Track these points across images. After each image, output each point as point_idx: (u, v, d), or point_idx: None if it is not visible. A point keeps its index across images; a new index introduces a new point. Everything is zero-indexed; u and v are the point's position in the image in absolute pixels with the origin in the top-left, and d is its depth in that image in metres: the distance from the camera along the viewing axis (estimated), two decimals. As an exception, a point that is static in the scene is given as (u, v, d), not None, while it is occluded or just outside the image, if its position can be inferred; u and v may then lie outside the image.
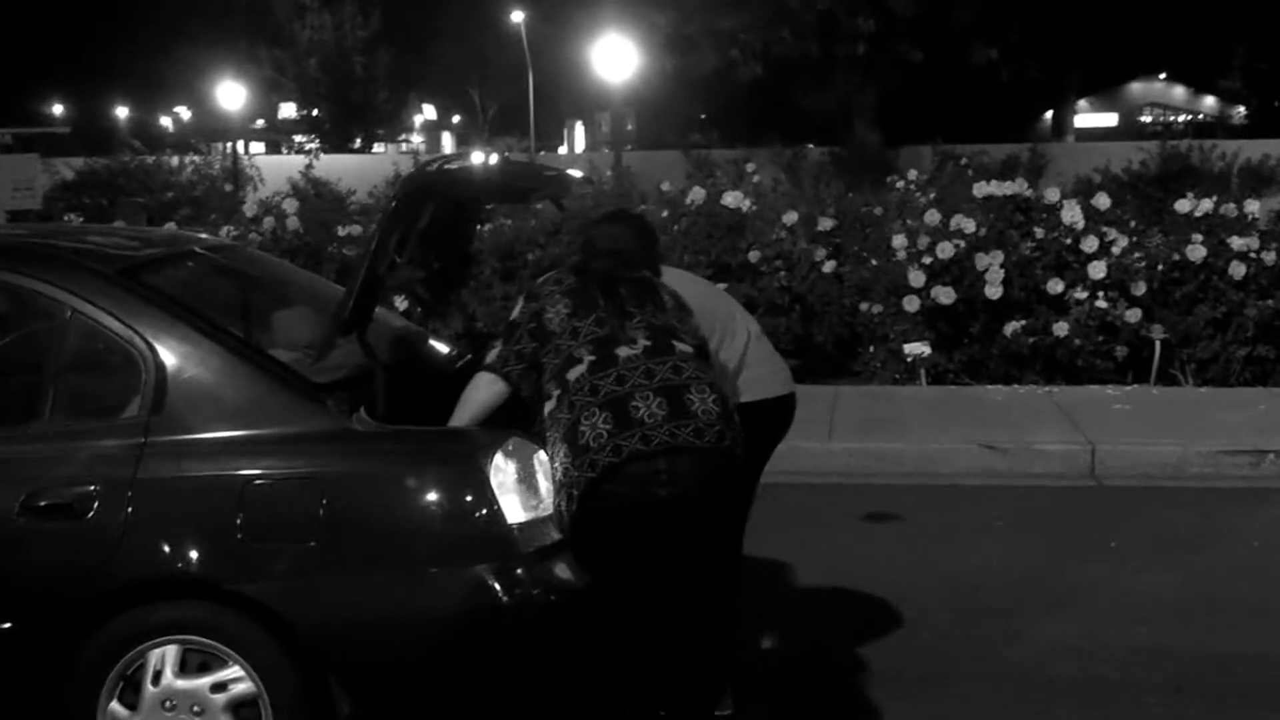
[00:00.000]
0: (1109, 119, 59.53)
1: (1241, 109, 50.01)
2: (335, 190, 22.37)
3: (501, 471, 3.89)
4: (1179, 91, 61.05)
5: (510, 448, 3.96)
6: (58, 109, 61.00)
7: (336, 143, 40.05)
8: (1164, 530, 7.09)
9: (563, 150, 51.83)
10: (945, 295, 10.31)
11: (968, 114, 31.86)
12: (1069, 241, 10.40)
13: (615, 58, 25.22)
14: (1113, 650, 5.36)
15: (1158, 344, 10.31)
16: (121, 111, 61.76)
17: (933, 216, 10.82)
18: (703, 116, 31.61)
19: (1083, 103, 51.96)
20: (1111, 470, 8.24)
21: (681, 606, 3.87)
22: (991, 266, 10.24)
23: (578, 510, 3.76)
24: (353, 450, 4.03)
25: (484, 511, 3.85)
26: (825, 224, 11.45)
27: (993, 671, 5.17)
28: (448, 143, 59.46)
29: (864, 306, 10.92)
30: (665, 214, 11.11)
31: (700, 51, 25.16)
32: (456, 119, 62.82)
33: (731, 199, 11.18)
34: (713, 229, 11.03)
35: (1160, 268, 10.44)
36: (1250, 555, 6.68)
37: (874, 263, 10.90)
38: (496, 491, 3.85)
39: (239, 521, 3.90)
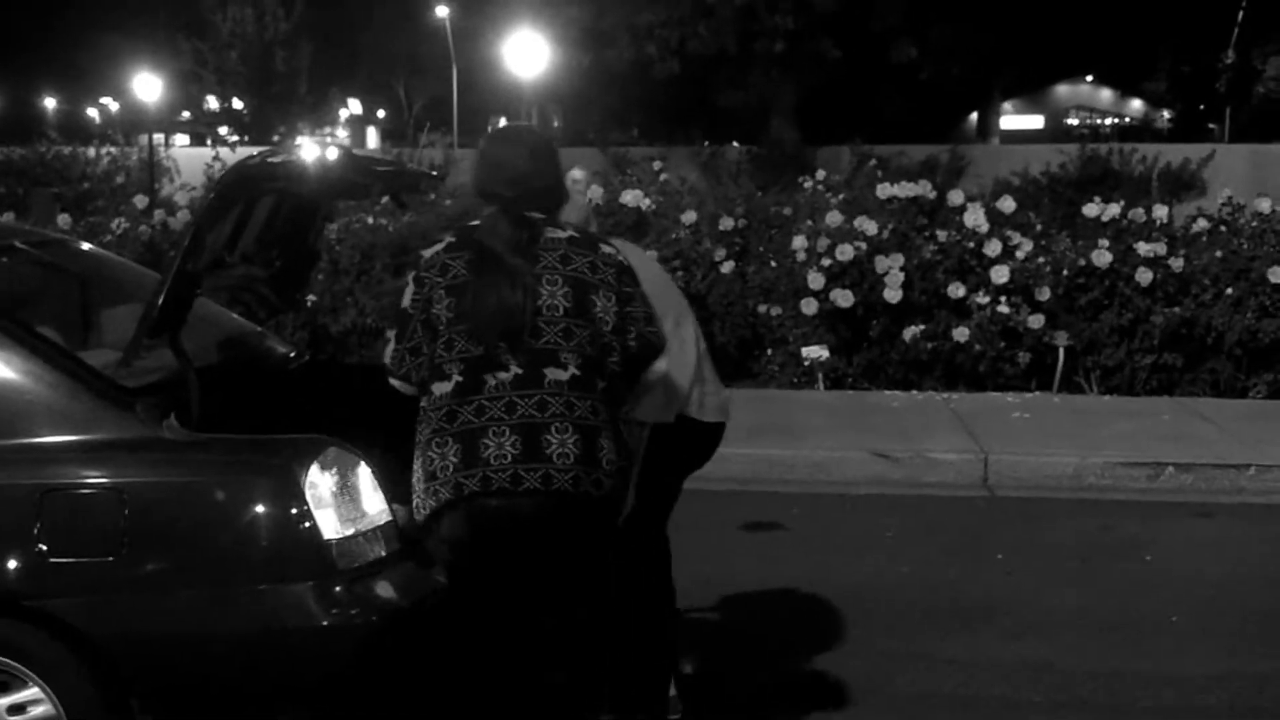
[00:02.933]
0: (1035, 121, 60.18)
1: (1167, 113, 50.66)
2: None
3: (318, 484, 3.75)
4: (1106, 94, 61.80)
5: (328, 458, 3.81)
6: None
7: (258, 136, 39.52)
8: (1056, 543, 7.03)
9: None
10: (844, 298, 10.23)
11: (892, 114, 31.89)
12: (972, 245, 10.35)
13: (528, 53, 25.03)
14: (998, 666, 5.27)
15: (1061, 351, 10.30)
16: (50, 102, 60.94)
17: (835, 218, 10.74)
18: (625, 114, 31.42)
19: (1009, 105, 52.43)
20: (1006, 480, 8.18)
21: (536, 635, 3.71)
22: (891, 270, 10.18)
23: (423, 526, 3.64)
24: (160, 459, 3.88)
25: (298, 526, 3.71)
26: (726, 223, 11.32)
27: (870, 687, 5.04)
28: (373, 138, 58.96)
29: (763, 309, 10.81)
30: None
31: (616, 47, 24.98)
32: (382, 114, 62.34)
33: (631, 197, 11.03)
34: (613, 228, 10.86)
35: (1066, 273, 10.41)
36: (1143, 570, 6.63)
37: (774, 264, 10.78)
38: (312, 505, 3.71)
39: (37, 533, 3.73)
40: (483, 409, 3.52)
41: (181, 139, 39.66)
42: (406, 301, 3.62)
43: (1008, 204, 10.73)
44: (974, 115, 44.59)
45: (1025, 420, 9.27)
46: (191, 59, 42.53)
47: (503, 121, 54.94)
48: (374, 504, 3.85)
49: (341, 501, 3.77)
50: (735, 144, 27.75)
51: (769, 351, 10.91)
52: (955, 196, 10.72)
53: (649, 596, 4.40)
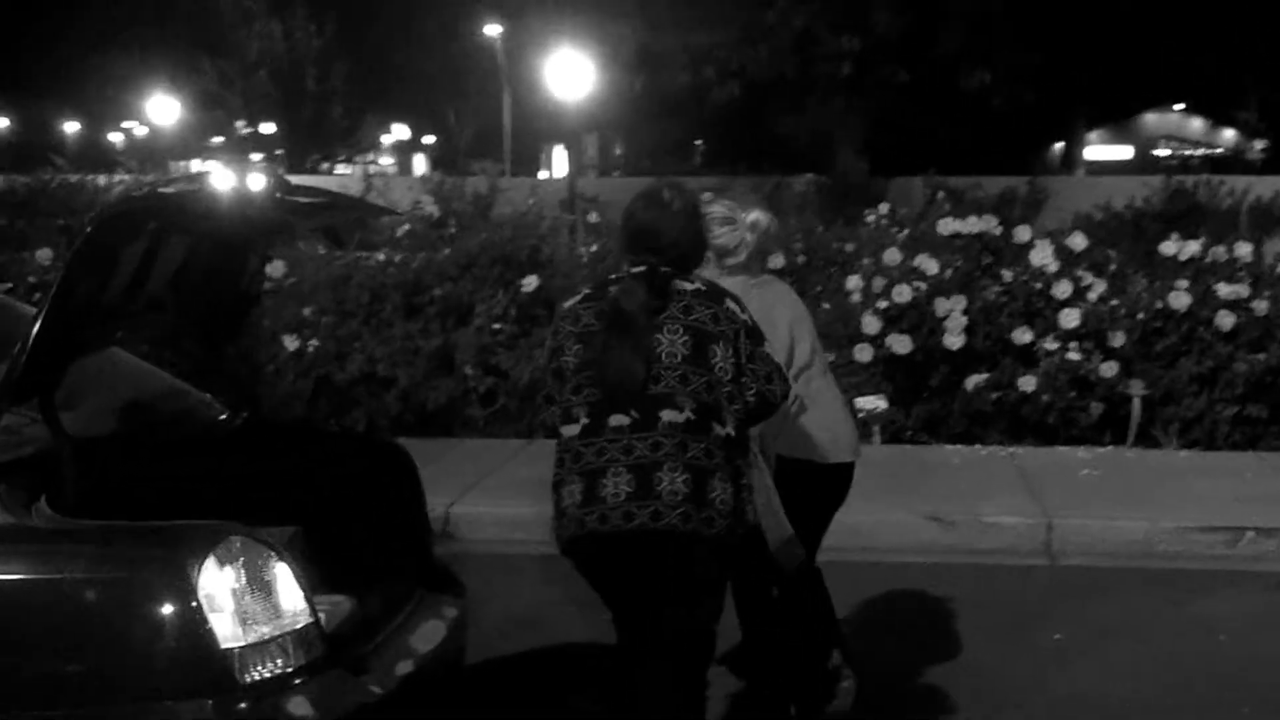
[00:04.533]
0: (1124, 152, 59.35)
1: (1259, 144, 49.79)
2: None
3: (215, 581, 3.37)
4: (1197, 124, 60.95)
5: (230, 549, 3.43)
6: (1, 122, 60.59)
7: (292, 162, 39.50)
8: (1119, 619, 6.67)
9: (543, 175, 51.45)
10: (901, 344, 9.89)
11: (966, 144, 31.46)
12: (1040, 286, 9.96)
13: (571, 75, 24.84)
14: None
15: (1136, 401, 9.87)
16: (71, 126, 61.28)
17: (893, 255, 10.40)
18: (697, 142, 31.14)
19: (1094, 135, 51.78)
20: (1070, 547, 7.82)
21: (648, 644, 4.17)
22: (952, 313, 9.83)
23: (564, 549, 4.15)
24: (22, 552, 3.48)
25: (190, 632, 3.33)
26: (775, 261, 10.97)
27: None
28: (420, 164, 59.05)
29: (813, 354, 10.44)
30: (580, 248, 10.68)
31: (671, 69, 24.78)
32: (430, 139, 62.50)
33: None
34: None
35: (1141, 316, 9.99)
36: (1216, 651, 6.25)
37: (826, 306, 10.43)
38: (206, 606, 3.34)
39: None
40: (603, 450, 4.01)
41: (211, 165, 39.70)
42: (546, 355, 4.25)
43: (1078, 241, 10.34)
44: (1058, 145, 44.09)
45: (1095, 478, 8.89)
46: (215, 80, 42.29)
47: (559, 150, 55.09)
48: (291, 603, 3.48)
49: (246, 602, 3.40)
50: (809, 175, 27.45)
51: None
52: (1022, 233, 10.34)
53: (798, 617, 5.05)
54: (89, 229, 3.69)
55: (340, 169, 47.82)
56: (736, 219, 4.96)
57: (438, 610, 4.29)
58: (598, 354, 4.03)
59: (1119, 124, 57.89)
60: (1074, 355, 9.83)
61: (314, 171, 41.33)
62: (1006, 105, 27.57)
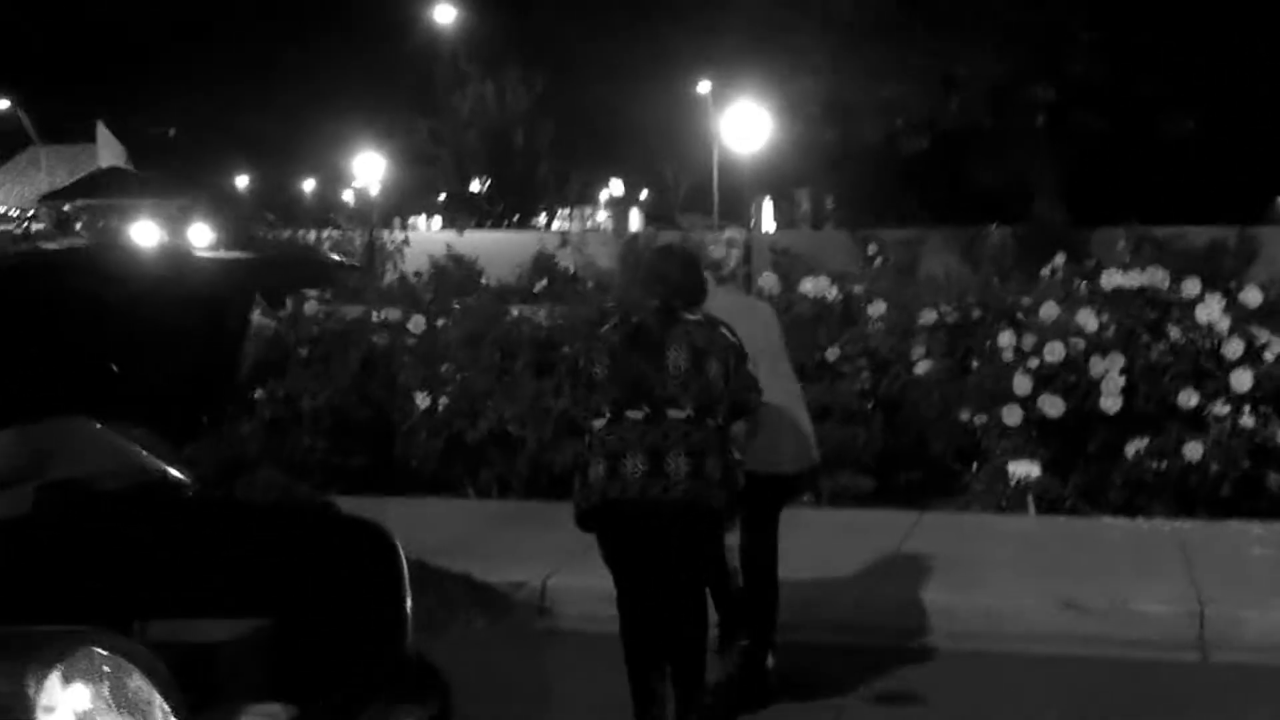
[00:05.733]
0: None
1: None
2: (471, 267, 21.87)
3: (57, 701, 2.78)
4: None
5: (81, 663, 2.83)
6: (242, 180, 62.67)
7: (498, 217, 39.86)
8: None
9: (751, 226, 50.87)
10: (1053, 406, 8.95)
11: (1175, 192, 29.71)
12: (1209, 345, 8.90)
13: (746, 126, 24.18)
14: None
15: (1321, 472, 8.71)
16: (309, 184, 63.17)
17: (1050, 310, 9.47)
18: (874, 194, 30.15)
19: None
20: (1226, 640, 6.79)
21: (660, 595, 5.30)
22: (1109, 373, 8.85)
23: (582, 519, 5.33)
24: None
25: None
26: (928, 317, 10.11)
27: None
28: (635, 219, 59.16)
29: (964, 416, 9.56)
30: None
31: (859, 121, 23.92)
32: (644, 194, 62.48)
33: (812, 286, 10.00)
34: (791, 322, 9.83)
35: (1328, 379, 8.85)
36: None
37: (974, 364, 9.54)
38: None
39: None
40: (623, 438, 5.15)
41: (427, 221, 40.15)
42: (581, 362, 5.40)
43: (1252, 296, 9.24)
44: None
45: (1265, 558, 7.81)
46: (428, 139, 42.89)
47: (768, 204, 54.53)
48: None
49: None
50: (1004, 226, 26.24)
51: (974, 468, 9.63)
52: (1190, 287, 9.27)
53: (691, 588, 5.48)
54: None
55: (557, 224, 48.10)
56: (719, 239, 6.47)
57: None
58: (621, 365, 5.21)
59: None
60: (1248, 421, 8.74)
61: (509, 227, 41.56)
62: (1213, 153, 25.89)
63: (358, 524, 4.06)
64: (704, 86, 46.28)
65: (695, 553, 5.33)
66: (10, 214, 46.46)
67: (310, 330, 10.67)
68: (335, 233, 27.42)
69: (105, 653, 2.88)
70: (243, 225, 25.03)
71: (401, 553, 4.00)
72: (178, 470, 4.16)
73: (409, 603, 3.96)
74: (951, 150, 24.37)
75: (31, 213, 42.53)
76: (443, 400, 9.78)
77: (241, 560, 3.76)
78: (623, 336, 5.28)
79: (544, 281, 11.26)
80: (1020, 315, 9.75)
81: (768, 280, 10.24)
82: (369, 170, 37.28)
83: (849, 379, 9.59)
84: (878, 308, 9.96)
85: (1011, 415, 9.10)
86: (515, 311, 10.51)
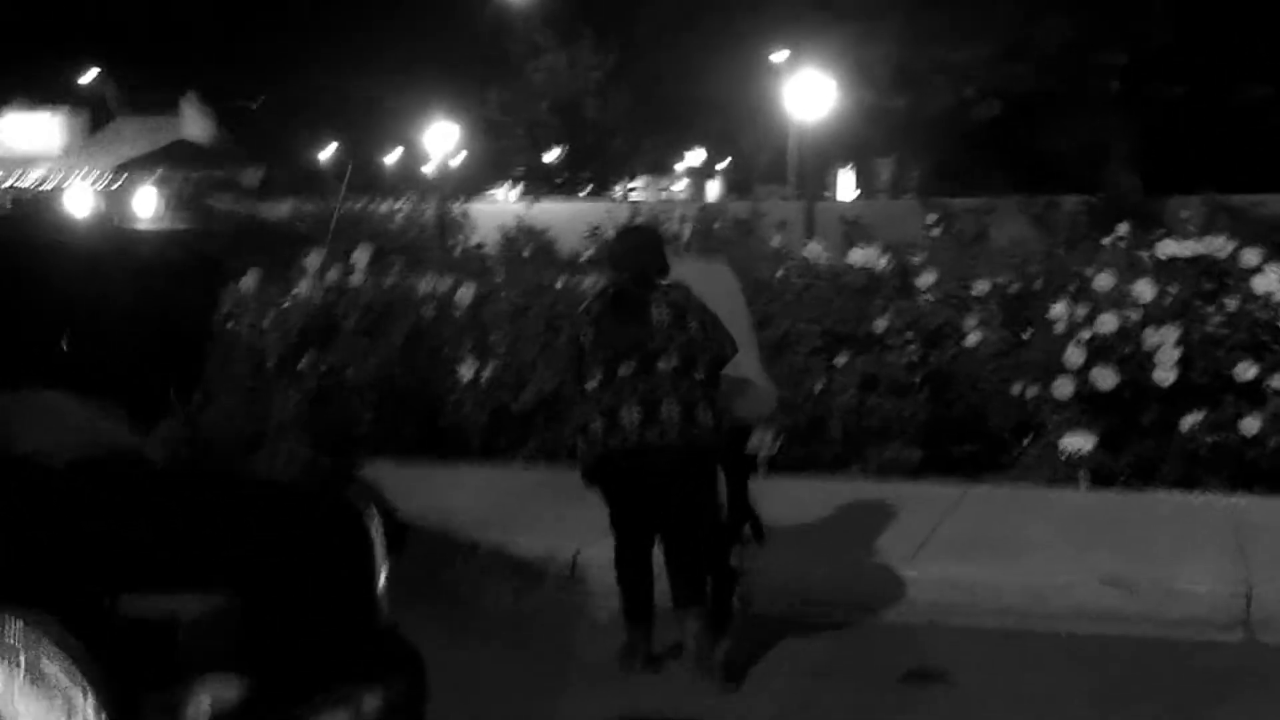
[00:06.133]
0: None
1: None
2: (540, 237, 21.81)
3: None
4: None
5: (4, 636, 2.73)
6: (326, 153, 63.06)
7: (572, 189, 39.69)
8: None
9: (828, 195, 50.43)
10: (1105, 379, 8.65)
11: (1259, 158, 28.87)
12: (1267, 316, 8.56)
13: (810, 95, 23.79)
14: None
15: (1385, 447, 8.36)
16: (393, 156, 63.40)
17: (1105, 280, 9.16)
18: (945, 162, 29.56)
19: None
20: (1275, 620, 6.46)
21: (661, 532, 5.91)
22: (1163, 345, 8.53)
23: (583, 470, 5.94)
24: None
25: None
26: (981, 287, 9.82)
27: None
28: (714, 189, 58.82)
29: (1015, 389, 9.28)
30: (780, 272, 9.75)
31: (930, 89, 23.41)
32: (723, 165, 61.99)
33: (860, 256, 9.76)
34: (838, 292, 9.63)
35: (1393, 351, 8.49)
36: None
37: (1025, 336, 9.25)
38: None
39: None
40: (618, 393, 5.68)
41: (508, 193, 40.15)
42: (564, 339, 6.38)
43: (1313, 265, 8.87)
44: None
45: (1324, 537, 7.46)
46: (498, 110, 42.71)
47: (848, 171, 54.01)
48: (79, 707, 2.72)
49: (14, 704, 2.72)
50: (1092, 196, 25.58)
51: (1026, 441, 9.35)
52: (1249, 256, 8.92)
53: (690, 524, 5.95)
54: None
55: (634, 195, 47.84)
56: (672, 215, 7.29)
57: (353, 701, 3.52)
58: (608, 327, 5.78)
59: None
60: (1308, 394, 8.40)
61: (582, 199, 41.35)
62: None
63: (329, 500, 3.93)
64: (779, 55, 45.80)
65: (692, 495, 5.82)
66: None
67: (358, 300, 10.59)
68: (407, 205, 27.52)
69: (24, 626, 2.77)
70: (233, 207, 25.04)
71: (376, 530, 3.86)
72: (143, 443, 4.05)
73: (381, 580, 3.82)
74: (1024, 117, 23.80)
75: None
76: (489, 369, 9.67)
77: (202, 535, 3.63)
78: (605, 304, 5.88)
79: (590, 251, 11.09)
80: (1074, 285, 9.44)
81: (812, 250, 10.01)
82: (442, 142, 37.20)
83: (897, 350, 9.33)
84: (927, 278, 9.69)
85: (1062, 388, 8.82)
86: (559, 283, 10.34)
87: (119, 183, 28.01)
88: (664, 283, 5.88)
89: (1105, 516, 8.05)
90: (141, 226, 4.70)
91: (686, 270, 6.18)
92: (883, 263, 9.94)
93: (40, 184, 45.02)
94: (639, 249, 6.11)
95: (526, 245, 19.80)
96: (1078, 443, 8.91)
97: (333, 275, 10.64)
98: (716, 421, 5.75)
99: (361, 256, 10.78)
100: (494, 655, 6.31)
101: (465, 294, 10.52)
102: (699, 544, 5.89)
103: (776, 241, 11.00)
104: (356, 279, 10.62)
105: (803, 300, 9.51)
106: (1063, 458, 8.94)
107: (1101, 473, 8.90)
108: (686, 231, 19.34)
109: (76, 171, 45.04)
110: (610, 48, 42.52)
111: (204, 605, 3.50)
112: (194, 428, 7.00)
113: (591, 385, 5.72)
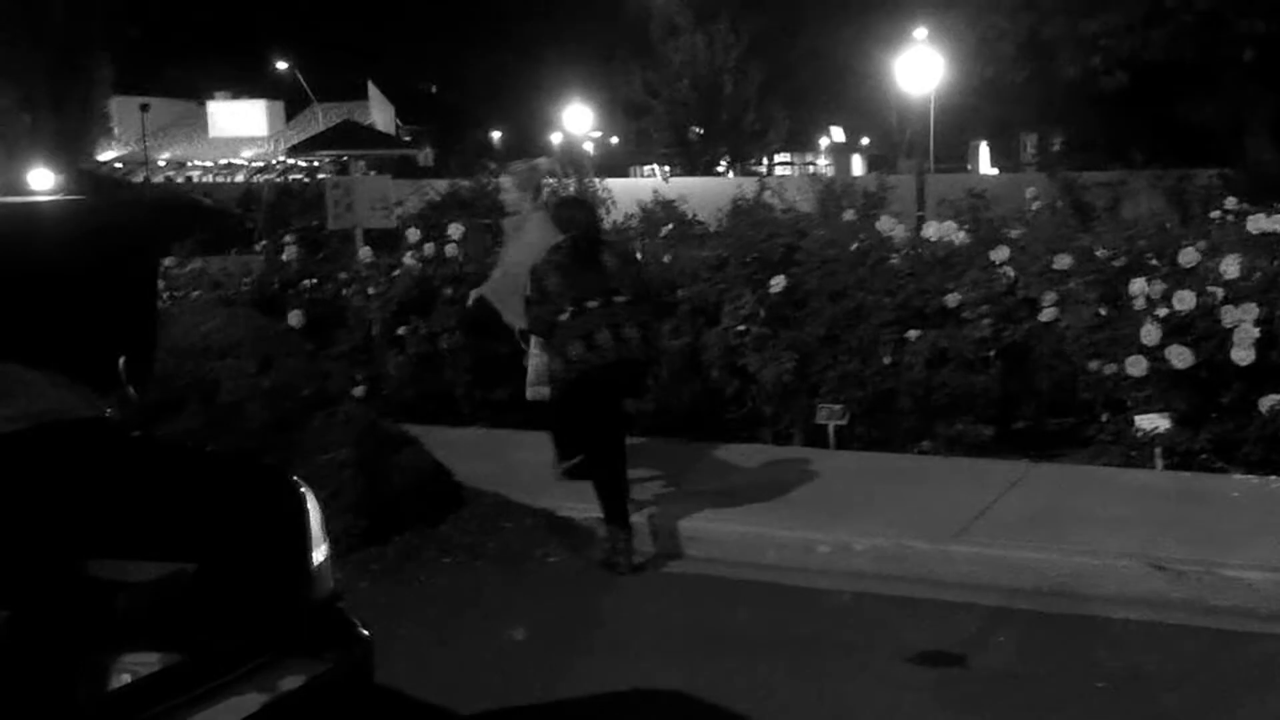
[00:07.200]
0: None
1: None
2: (678, 212, 21.74)
3: None
4: None
5: None
6: (496, 134, 63.82)
7: (706, 165, 39.53)
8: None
9: (968, 169, 49.36)
10: (1180, 358, 8.20)
11: None
12: (1352, 294, 8.04)
13: (924, 68, 23.07)
14: None
15: None
16: (557, 137, 64.00)
17: (1190, 257, 8.69)
18: (1076, 134, 28.41)
19: None
20: (1331, 612, 6.05)
21: (610, 432, 7.09)
22: (1241, 323, 8.04)
23: (566, 386, 6.96)
24: None
25: None
26: (1062, 261, 9.36)
27: None
28: (857, 165, 57.96)
29: (1093, 366, 8.85)
30: (854, 245, 9.44)
31: (1056, 60, 22.49)
32: (865, 140, 60.97)
33: (935, 230, 9.39)
34: (916, 265, 9.29)
35: None
36: None
37: (1102, 312, 8.81)
38: None
39: None
40: (588, 320, 6.84)
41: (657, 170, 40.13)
42: (531, 290, 7.13)
43: (1403, 242, 8.28)
44: None
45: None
46: (641, 89, 42.65)
47: (984, 146, 52.73)
48: None
49: None
50: (1226, 171, 24.48)
51: (1104, 419, 8.92)
52: (1337, 233, 8.37)
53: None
54: None
55: (778, 170, 47.39)
56: (517, 186, 8.36)
57: (267, 680, 3.41)
58: (573, 272, 6.94)
59: None
60: (1394, 375, 7.85)
61: (717, 174, 41.09)
62: None
63: (262, 471, 3.82)
64: (921, 32, 44.93)
65: (638, 394, 7.98)
66: (274, 164, 49.07)
67: (454, 269, 10.58)
68: (552, 181, 27.61)
69: None
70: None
71: (309, 503, 3.74)
72: (96, 412, 3.97)
73: (316, 554, 3.71)
74: (1155, 87, 22.75)
75: (291, 162, 44.58)
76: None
77: (132, 504, 3.56)
78: (566, 254, 7.02)
79: (670, 226, 10.89)
80: (1156, 261, 8.97)
81: (885, 224, 9.66)
82: (579, 122, 37.37)
83: (970, 325, 8.96)
84: (1001, 253, 9.28)
85: (1136, 366, 8.39)
86: (638, 255, 10.17)
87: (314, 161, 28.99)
88: (604, 239, 7.41)
89: (1167, 498, 7.66)
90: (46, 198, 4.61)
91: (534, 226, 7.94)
92: (960, 236, 9.57)
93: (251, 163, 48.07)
94: (581, 212, 7.39)
95: (663, 218, 19.67)
96: (1153, 421, 8.49)
97: (429, 248, 10.66)
98: (658, 341, 7.61)
99: (455, 230, 10.76)
100: (531, 609, 6.25)
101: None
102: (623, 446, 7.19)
103: (849, 215, 10.62)
104: (450, 250, 10.59)
105: (876, 273, 9.19)
106: (1138, 436, 8.51)
107: (1178, 453, 8.47)
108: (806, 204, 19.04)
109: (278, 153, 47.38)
110: (745, 28, 42.12)
111: (141, 574, 3.43)
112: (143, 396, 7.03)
113: (565, 317, 6.82)
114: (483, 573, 6.81)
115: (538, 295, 6.99)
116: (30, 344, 3.76)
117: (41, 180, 3.51)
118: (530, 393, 8.04)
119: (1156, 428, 8.45)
